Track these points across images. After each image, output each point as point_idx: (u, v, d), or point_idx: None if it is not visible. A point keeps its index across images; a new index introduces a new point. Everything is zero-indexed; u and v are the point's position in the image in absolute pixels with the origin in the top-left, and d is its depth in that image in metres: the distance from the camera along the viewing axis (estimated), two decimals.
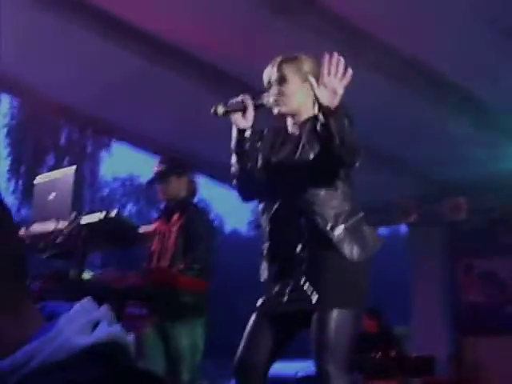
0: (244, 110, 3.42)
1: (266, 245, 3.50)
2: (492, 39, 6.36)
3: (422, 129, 7.96)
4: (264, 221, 3.52)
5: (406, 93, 7.28)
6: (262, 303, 3.45)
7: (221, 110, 3.40)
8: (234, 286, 26.15)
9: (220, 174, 9.84)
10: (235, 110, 3.42)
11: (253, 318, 3.47)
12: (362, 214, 3.47)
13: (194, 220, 5.19)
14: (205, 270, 5.08)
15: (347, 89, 3.24)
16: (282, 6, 6.14)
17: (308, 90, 3.41)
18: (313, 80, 3.30)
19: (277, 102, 3.47)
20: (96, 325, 1.00)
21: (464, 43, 6.41)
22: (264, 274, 3.51)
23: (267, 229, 3.49)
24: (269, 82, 3.53)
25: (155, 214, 5.68)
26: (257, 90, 3.59)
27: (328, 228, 3.34)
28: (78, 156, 23.51)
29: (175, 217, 5.26)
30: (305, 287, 3.28)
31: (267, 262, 3.50)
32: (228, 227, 33.23)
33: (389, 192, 9.66)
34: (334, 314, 3.22)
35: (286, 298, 3.33)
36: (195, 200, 5.54)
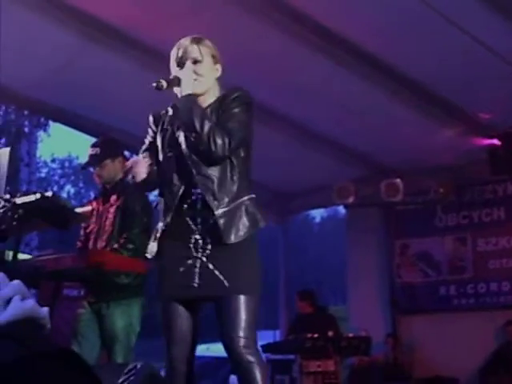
0: (179, 84, 3.47)
1: (162, 223, 3.51)
2: None
3: (360, 110, 8.04)
4: (163, 200, 3.55)
5: (343, 71, 7.37)
6: (170, 287, 3.47)
7: (164, 83, 3.41)
8: None
9: None
10: (175, 84, 3.46)
11: (165, 305, 3.50)
12: (247, 197, 3.51)
13: (131, 200, 5.17)
14: (140, 250, 5.06)
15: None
16: None
17: (216, 73, 3.58)
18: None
19: (193, 82, 3.49)
20: (8, 301, 0.97)
21: None
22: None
23: (165, 207, 3.51)
24: (181, 59, 3.52)
25: (94, 196, 5.63)
26: None
27: (215, 210, 3.39)
28: (15, 136, 23.08)
29: (113, 198, 5.24)
30: (215, 273, 3.36)
31: (163, 240, 3.50)
32: None
33: (327, 174, 9.73)
34: (243, 299, 3.33)
35: (196, 283, 3.37)
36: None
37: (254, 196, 3.53)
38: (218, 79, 3.61)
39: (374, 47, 7.10)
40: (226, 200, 3.40)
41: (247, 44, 6.63)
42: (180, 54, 3.52)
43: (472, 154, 8.99)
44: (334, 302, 15.09)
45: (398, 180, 9.62)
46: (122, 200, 5.17)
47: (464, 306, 10.06)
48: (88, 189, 31.11)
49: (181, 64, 3.51)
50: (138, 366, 3.33)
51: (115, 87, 7.58)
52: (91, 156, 5.32)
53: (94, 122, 8.55)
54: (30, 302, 0.99)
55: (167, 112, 3.55)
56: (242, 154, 3.48)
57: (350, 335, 8.65)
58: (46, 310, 0.98)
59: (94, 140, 5.67)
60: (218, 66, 3.59)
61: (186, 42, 3.54)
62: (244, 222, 3.41)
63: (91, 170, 5.40)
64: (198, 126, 3.35)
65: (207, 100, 3.54)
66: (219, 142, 3.33)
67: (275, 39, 6.76)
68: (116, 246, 5.02)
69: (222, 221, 3.37)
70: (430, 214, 10.32)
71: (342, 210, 12.22)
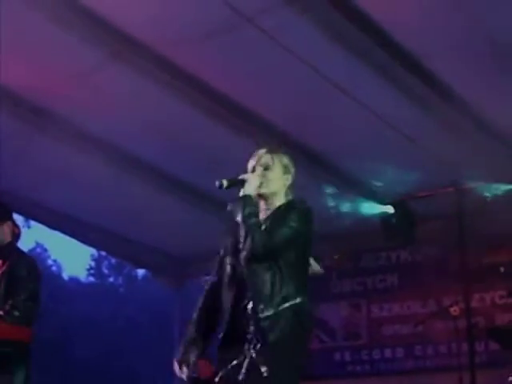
0: (243, 185, 3.79)
1: (226, 317, 3.79)
2: None
3: None
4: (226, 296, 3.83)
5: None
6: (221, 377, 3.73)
7: (225, 182, 3.77)
8: (72, 332, 25.60)
9: (54, 220, 9.63)
10: (236, 184, 3.80)
11: None
12: (298, 300, 3.71)
13: (17, 266, 5.09)
14: (26, 317, 4.96)
15: None
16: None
17: (285, 182, 3.93)
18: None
19: (260, 184, 3.82)
20: None
21: None
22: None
23: (227, 306, 3.79)
24: (254, 166, 3.88)
25: None
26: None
27: (263, 311, 3.65)
28: None
29: None
30: (259, 369, 3.58)
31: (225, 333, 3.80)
32: (66, 274, 32.61)
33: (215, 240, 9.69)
34: None
35: (241, 378, 3.61)
36: (28, 245, 5.46)
37: (304, 299, 3.73)
38: (289, 189, 3.92)
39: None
40: (272, 303, 3.65)
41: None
42: (254, 162, 3.91)
43: (366, 221, 9.13)
44: None
45: None
46: (8, 265, 5.08)
47: (359, 372, 10.12)
48: None
49: (253, 170, 3.89)
50: None
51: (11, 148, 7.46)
52: None
53: None
54: None
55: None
56: (291, 259, 3.72)
57: None
58: None
59: None
60: (289, 177, 3.94)
61: (261, 152, 3.94)
62: (288, 325, 3.64)
63: None
64: (243, 220, 3.68)
65: (275, 203, 3.88)
66: (257, 238, 3.63)
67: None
68: (1, 312, 4.90)
69: (265, 323, 3.62)
70: (326, 280, 10.38)
71: None
